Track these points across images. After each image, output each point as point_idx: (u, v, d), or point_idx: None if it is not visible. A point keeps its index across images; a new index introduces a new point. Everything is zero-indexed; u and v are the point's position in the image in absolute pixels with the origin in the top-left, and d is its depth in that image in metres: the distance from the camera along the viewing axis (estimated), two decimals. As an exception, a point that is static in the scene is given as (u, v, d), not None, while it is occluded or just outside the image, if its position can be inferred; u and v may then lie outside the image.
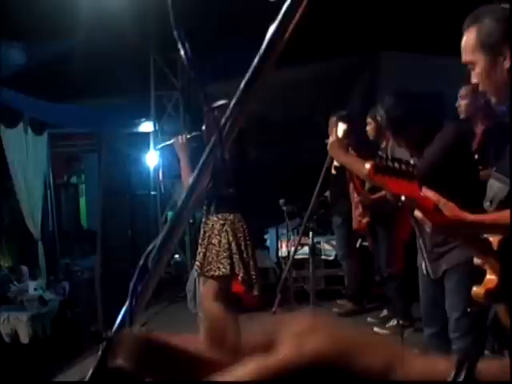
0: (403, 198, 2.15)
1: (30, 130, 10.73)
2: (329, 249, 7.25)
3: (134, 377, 0.98)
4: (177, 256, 9.91)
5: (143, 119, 9.82)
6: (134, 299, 1.01)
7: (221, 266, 4.53)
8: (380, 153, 4.28)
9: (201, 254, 4.65)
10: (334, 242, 7.10)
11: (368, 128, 5.94)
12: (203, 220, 4.71)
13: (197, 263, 4.70)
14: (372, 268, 7.10)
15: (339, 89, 8.61)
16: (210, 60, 8.76)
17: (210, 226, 4.62)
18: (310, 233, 3.99)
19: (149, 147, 10.06)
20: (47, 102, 8.89)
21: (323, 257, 7.15)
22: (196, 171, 1.03)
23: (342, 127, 3.78)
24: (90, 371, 0.95)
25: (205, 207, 4.68)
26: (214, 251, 4.55)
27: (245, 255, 4.59)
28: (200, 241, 4.71)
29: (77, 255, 12.76)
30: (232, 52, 8.85)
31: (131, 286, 1.01)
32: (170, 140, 5.01)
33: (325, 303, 7.19)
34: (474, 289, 2.37)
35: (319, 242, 7.29)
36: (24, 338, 9.70)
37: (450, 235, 2.82)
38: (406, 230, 5.97)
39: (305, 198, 6.96)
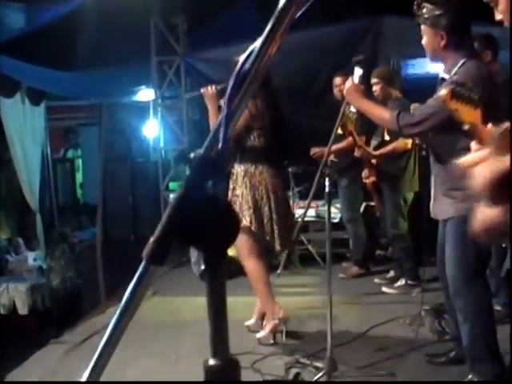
0: (467, 126, 2.19)
1: (27, 101, 10.63)
2: (334, 211, 7.18)
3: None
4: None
5: (143, 86, 9.72)
6: (230, 105, 0.93)
7: (242, 218, 4.47)
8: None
9: None
10: (338, 205, 7.04)
11: (375, 88, 5.86)
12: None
13: None
14: (377, 231, 7.08)
15: (342, 53, 8.51)
16: (212, 24, 8.69)
17: (234, 177, 4.58)
18: (327, 179, 3.90)
19: (149, 115, 9.98)
20: (45, 69, 8.74)
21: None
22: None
23: (358, 72, 3.70)
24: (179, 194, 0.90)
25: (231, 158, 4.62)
26: (237, 203, 4.50)
27: (265, 210, 4.52)
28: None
29: (74, 228, 12.70)
30: (232, 15, 8.75)
31: (228, 91, 0.93)
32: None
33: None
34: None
35: (324, 205, 7.22)
36: (23, 309, 9.68)
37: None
38: (412, 189, 5.95)
39: (307, 163, 6.96)
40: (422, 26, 3.47)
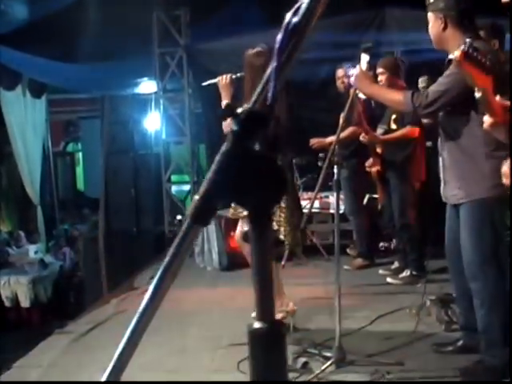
0: (479, 94, 2.21)
1: (28, 93, 10.63)
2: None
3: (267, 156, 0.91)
4: (179, 217, 9.85)
5: (145, 78, 9.69)
6: (280, 57, 0.91)
7: None
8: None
9: None
10: (342, 197, 7.03)
11: (380, 78, 5.84)
12: None
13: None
14: (380, 223, 7.07)
15: (344, 46, 8.50)
16: (214, 16, 8.66)
17: None
18: (335, 167, 3.89)
19: (151, 107, 9.96)
20: (47, 60, 8.72)
21: (331, 211, 7.08)
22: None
23: (365, 58, 3.69)
24: (225, 148, 0.88)
25: None
26: None
27: None
28: None
29: (75, 221, 12.70)
30: (235, 9, 8.72)
31: (278, 44, 0.90)
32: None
33: (334, 257, 7.15)
34: None
35: (327, 196, 7.22)
36: (25, 302, 9.67)
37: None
38: (418, 178, 5.94)
39: (308, 154, 6.96)
40: (429, 13, 3.52)
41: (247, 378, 0.95)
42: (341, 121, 6.70)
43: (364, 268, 6.55)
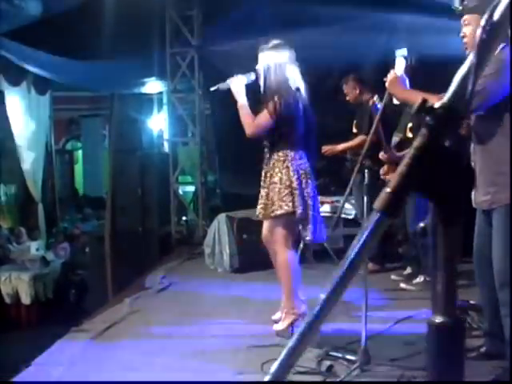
0: None
1: (33, 90, 10.58)
2: (348, 207, 7.19)
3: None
4: (184, 218, 9.85)
5: (153, 78, 9.69)
6: (481, 55, 0.90)
7: (283, 204, 4.39)
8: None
9: (263, 196, 4.50)
10: (353, 201, 7.04)
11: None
12: (264, 162, 4.59)
13: (260, 206, 4.52)
14: (390, 228, 7.07)
15: (355, 52, 8.53)
16: (226, 17, 8.65)
17: (271, 165, 4.50)
18: (366, 171, 3.90)
19: (159, 107, 9.95)
20: (54, 56, 8.69)
21: (343, 215, 7.08)
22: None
23: (402, 63, 3.70)
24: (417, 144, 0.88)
25: (266, 147, 4.58)
26: (276, 189, 4.42)
27: (305, 193, 4.45)
28: (262, 183, 4.55)
29: (75, 219, 12.66)
30: (247, 10, 8.72)
31: (477, 41, 0.90)
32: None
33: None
34: None
35: (339, 201, 7.23)
36: (26, 299, 9.61)
37: None
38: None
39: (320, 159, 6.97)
40: (467, 16, 3.50)
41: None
42: (354, 129, 6.78)
43: (375, 272, 6.55)
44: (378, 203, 0.90)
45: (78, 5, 7.82)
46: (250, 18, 8.80)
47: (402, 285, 5.99)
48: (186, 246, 8.81)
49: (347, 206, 7.34)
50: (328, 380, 3.78)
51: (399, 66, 3.70)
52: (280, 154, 4.48)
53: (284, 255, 4.59)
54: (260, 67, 4.57)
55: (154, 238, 8.76)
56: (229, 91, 4.64)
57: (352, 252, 0.93)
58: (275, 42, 4.63)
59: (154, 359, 4.19)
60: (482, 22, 0.91)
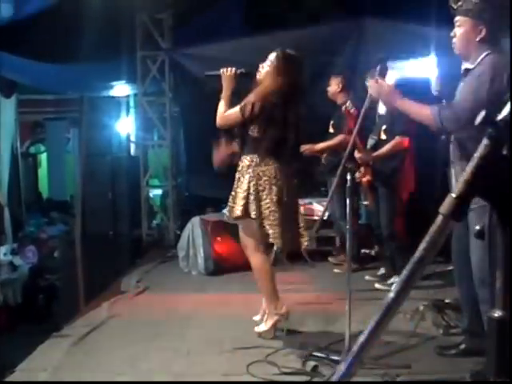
0: None
1: (-2, 92, 10.45)
2: (321, 210, 7.29)
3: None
4: (154, 222, 9.85)
5: (123, 81, 9.65)
6: None
7: (241, 208, 4.45)
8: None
9: (230, 198, 4.58)
10: (325, 203, 7.14)
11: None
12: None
13: (227, 207, 4.62)
14: (362, 230, 7.20)
15: (322, 57, 8.64)
16: (197, 21, 8.69)
17: (240, 167, 4.56)
18: (348, 174, 3.98)
19: (128, 110, 9.92)
20: (22, 59, 8.60)
21: (315, 217, 7.17)
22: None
23: (394, 75, 3.80)
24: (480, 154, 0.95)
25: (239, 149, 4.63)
26: (240, 193, 4.49)
27: (267, 201, 4.46)
28: (234, 186, 4.63)
29: (42, 224, 12.52)
30: (217, 13, 8.77)
31: None
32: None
33: (318, 263, 7.26)
34: None
35: (311, 203, 7.33)
36: (-6, 304, 9.47)
37: None
38: (407, 189, 6.08)
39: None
40: (460, 17, 3.59)
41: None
42: (331, 129, 6.88)
43: (353, 271, 6.64)
44: (444, 208, 0.97)
45: (48, 7, 7.76)
46: (221, 21, 8.87)
47: (377, 285, 6.11)
48: (158, 249, 8.81)
49: (320, 207, 7.45)
50: (315, 380, 3.85)
51: (391, 77, 3.79)
52: (248, 158, 4.54)
53: (256, 259, 4.67)
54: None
55: (126, 242, 8.72)
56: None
57: (420, 252, 1.00)
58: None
59: (139, 363, 4.20)
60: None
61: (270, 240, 4.56)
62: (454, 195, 0.98)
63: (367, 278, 6.39)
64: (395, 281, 6.02)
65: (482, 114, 1.02)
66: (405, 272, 1.04)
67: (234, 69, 4.59)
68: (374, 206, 6.27)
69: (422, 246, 1.03)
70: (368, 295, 5.86)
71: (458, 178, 3.37)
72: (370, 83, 3.98)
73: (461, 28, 3.60)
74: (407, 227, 6.10)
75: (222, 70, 4.60)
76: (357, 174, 6.24)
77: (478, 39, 3.53)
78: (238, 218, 4.55)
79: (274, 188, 4.49)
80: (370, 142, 6.07)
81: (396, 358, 4.16)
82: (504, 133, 0.94)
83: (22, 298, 9.74)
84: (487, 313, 3.34)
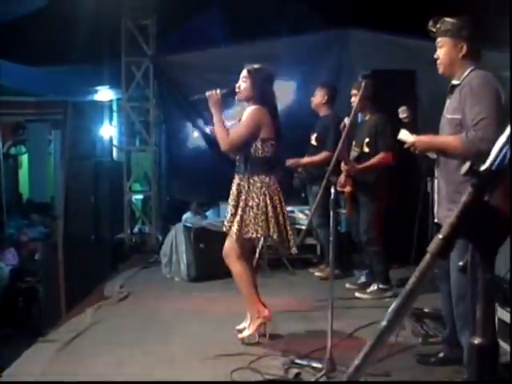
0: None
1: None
2: (302, 218, 7.41)
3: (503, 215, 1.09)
4: (137, 227, 9.89)
5: (107, 86, 9.69)
6: None
7: (259, 229, 4.58)
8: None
9: (237, 217, 4.62)
10: (307, 212, 7.25)
11: (353, 100, 6.06)
12: (235, 181, 4.72)
13: (235, 226, 4.63)
14: (341, 238, 7.30)
15: (309, 63, 8.76)
16: (182, 28, 8.77)
17: (247, 188, 4.64)
18: (332, 187, 4.09)
19: (111, 115, 9.96)
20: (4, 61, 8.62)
21: (297, 226, 7.28)
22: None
23: (406, 135, 3.92)
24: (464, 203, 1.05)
25: (239, 169, 4.73)
26: (251, 214, 4.58)
27: (280, 218, 4.66)
28: (233, 202, 4.68)
29: (22, 226, 12.49)
30: (202, 21, 8.86)
31: None
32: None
33: (299, 271, 7.37)
34: None
35: (293, 211, 7.44)
36: (-27, 308, 9.44)
37: None
38: (386, 198, 6.19)
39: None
40: (440, 39, 3.76)
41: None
42: (313, 142, 6.95)
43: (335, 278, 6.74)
44: (432, 248, 1.07)
45: (32, 11, 7.80)
46: (205, 28, 8.95)
47: (357, 294, 6.21)
48: (140, 254, 8.86)
49: (301, 216, 7.56)
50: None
51: (407, 137, 3.91)
52: (256, 179, 4.64)
53: (236, 267, 4.79)
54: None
55: (107, 246, 8.75)
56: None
57: (409, 285, 1.10)
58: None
59: (124, 369, 4.27)
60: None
61: (292, 251, 4.79)
62: (440, 236, 1.09)
63: (348, 286, 6.50)
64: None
65: (467, 164, 1.12)
66: (396, 303, 1.14)
67: (218, 90, 4.69)
68: (354, 216, 6.38)
69: (412, 280, 1.14)
70: (349, 304, 5.97)
71: (439, 188, 3.47)
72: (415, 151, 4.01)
73: (442, 49, 3.76)
74: (385, 234, 6.21)
75: (207, 94, 4.69)
76: (337, 184, 6.34)
77: (460, 56, 3.70)
78: (254, 238, 4.79)
79: (283, 205, 4.73)
80: (353, 154, 6.17)
81: (376, 366, 4.25)
82: (487, 182, 1.05)
83: (1, 301, 9.73)
84: (466, 337, 3.45)
